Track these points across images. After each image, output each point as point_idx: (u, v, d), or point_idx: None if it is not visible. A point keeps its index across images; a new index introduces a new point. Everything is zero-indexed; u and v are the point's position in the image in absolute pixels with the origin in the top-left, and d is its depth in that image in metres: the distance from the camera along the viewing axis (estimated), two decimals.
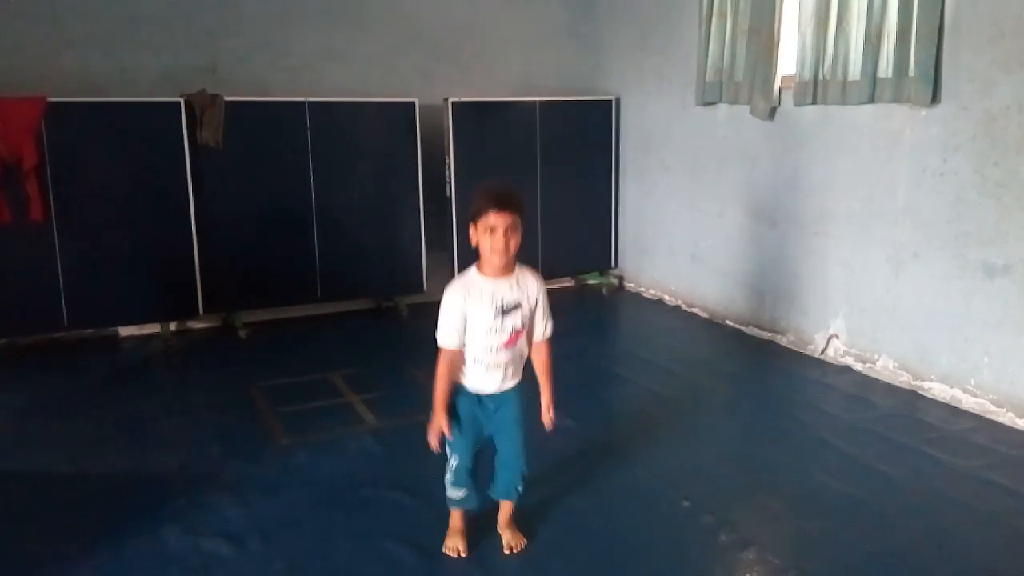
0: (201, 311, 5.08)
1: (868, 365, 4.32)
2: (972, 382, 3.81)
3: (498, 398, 2.52)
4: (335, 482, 3.13)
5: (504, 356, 2.46)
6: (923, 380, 4.03)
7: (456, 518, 2.65)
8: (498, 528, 2.69)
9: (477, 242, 2.41)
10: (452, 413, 2.50)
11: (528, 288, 2.47)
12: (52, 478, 3.22)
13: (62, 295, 4.70)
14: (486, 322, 2.40)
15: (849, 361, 4.43)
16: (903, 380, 4.12)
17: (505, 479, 2.61)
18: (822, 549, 2.68)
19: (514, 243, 2.38)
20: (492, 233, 2.35)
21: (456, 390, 2.50)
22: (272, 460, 3.33)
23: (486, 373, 2.47)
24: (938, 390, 3.96)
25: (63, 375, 4.44)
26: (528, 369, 2.61)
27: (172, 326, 5.17)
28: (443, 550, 2.61)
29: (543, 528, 2.79)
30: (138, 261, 4.87)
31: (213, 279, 5.06)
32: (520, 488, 2.63)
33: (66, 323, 4.76)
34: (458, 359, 2.46)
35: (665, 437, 3.58)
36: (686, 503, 2.96)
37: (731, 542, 2.72)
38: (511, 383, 2.52)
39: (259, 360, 4.68)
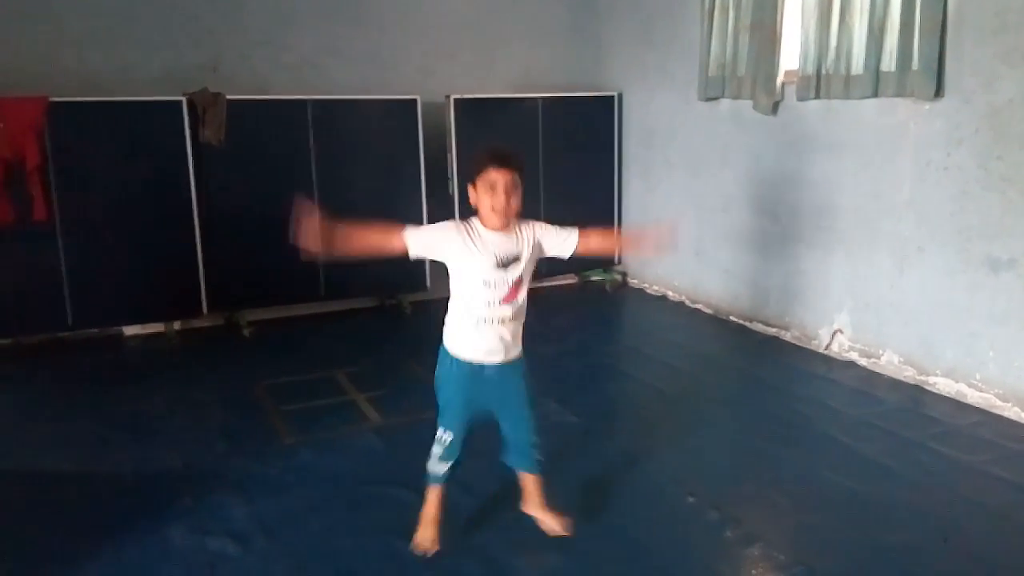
0: (205, 310, 5.09)
1: (873, 360, 4.31)
2: (977, 376, 3.80)
3: (502, 369, 2.44)
4: (340, 480, 3.13)
5: (506, 311, 2.39)
6: (928, 375, 4.02)
7: (433, 501, 2.58)
8: (531, 512, 2.63)
9: (476, 203, 2.35)
10: (440, 375, 2.45)
11: (524, 238, 2.41)
12: (57, 476, 3.23)
13: (66, 295, 4.70)
14: (483, 274, 2.34)
15: (854, 356, 4.42)
16: (908, 375, 4.11)
17: (517, 449, 2.58)
18: (828, 544, 2.68)
19: (515, 202, 2.33)
20: (492, 191, 2.30)
21: (445, 360, 2.44)
22: (277, 458, 3.33)
23: (490, 333, 2.38)
24: (943, 385, 3.95)
25: (68, 374, 4.44)
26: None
27: (176, 325, 5.18)
28: (411, 546, 2.54)
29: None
30: (141, 260, 4.87)
31: (217, 278, 5.07)
32: (539, 456, 2.58)
33: (70, 323, 4.76)
34: (394, 250, 2.36)
35: (669, 433, 3.57)
36: (691, 499, 2.96)
37: (736, 537, 2.72)
38: (515, 352, 2.46)
39: (263, 358, 4.68)
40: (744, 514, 2.86)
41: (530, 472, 2.62)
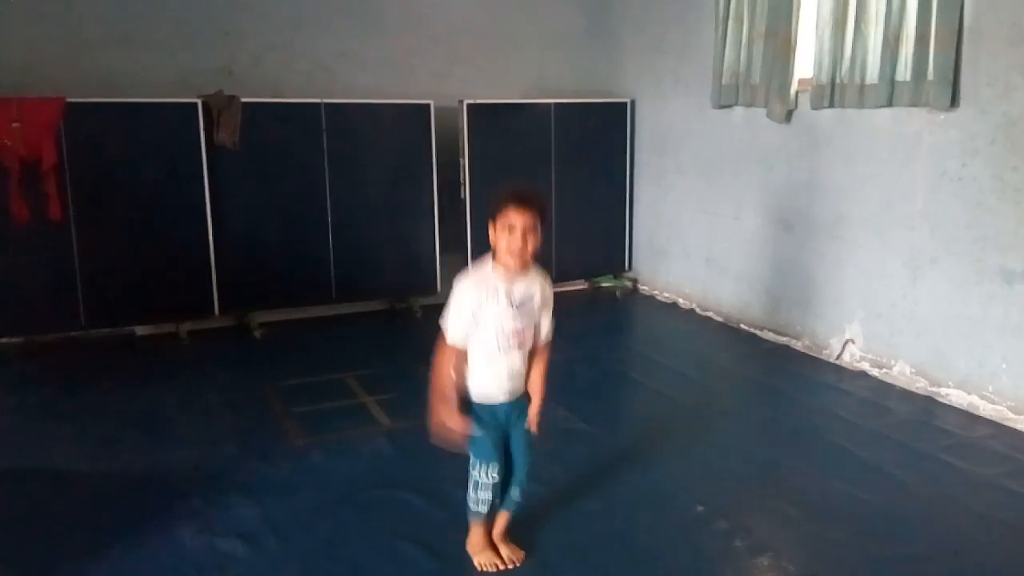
0: (217, 311, 5.11)
1: (884, 371, 4.29)
2: (990, 388, 3.77)
3: (514, 407, 2.48)
4: (348, 482, 3.14)
5: (518, 358, 2.43)
6: (940, 386, 4.00)
7: (480, 530, 2.58)
8: (494, 540, 2.61)
9: (495, 241, 2.36)
10: (476, 428, 2.45)
11: (536, 288, 2.43)
12: (69, 476, 3.25)
13: (80, 294, 4.73)
14: (499, 318, 2.35)
15: (865, 366, 4.40)
16: (920, 386, 4.09)
17: (513, 486, 2.57)
18: (837, 555, 2.66)
19: (532, 244, 2.32)
20: (511, 232, 2.29)
21: (467, 402, 2.45)
22: (286, 460, 3.34)
23: (502, 375, 2.41)
24: (955, 396, 3.92)
25: (80, 374, 4.47)
26: None
27: (188, 326, 5.20)
28: (478, 567, 2.54)
29: (555, 532, 2.79)
30: (155, 261, 4.90)
31: (229, 279, 5.09)
32: (520, 499, 2.59)
33: (84, 322, 4.80)
34: (460, 357, 2.40)
35: (679, 441, 3.56)
36: (700, 508, 2.95)
37: (745, 547, 2.71)
38: (522, 389, 2.50)
39: (274, 360, 4.70)
40: (754, 523, 2.85)
41: (507, 511, 2.61)
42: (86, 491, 3.10)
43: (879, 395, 4.11)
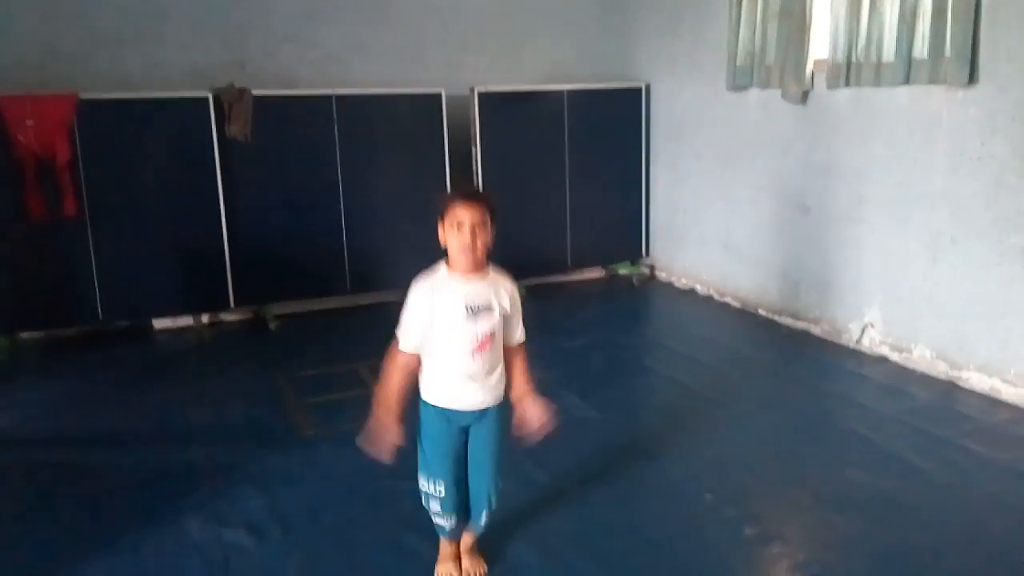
0: (232, 304, 5.14)
1: (904, 355, 4.20)
2: (1012, 372, 3.68)
3: (473, 416, 2.31)
4: (357, 474, 3.12)
5: (477, 364, 2.26)
6: (961, 370, 3.91)
7: (445, 543, 2.50)
8: (460, 552, 2.52)
9: (445, 242, 2.26)
10: (420, 427, 2.35)
11: (500, 292, 2.29)
12: (82, 467, 3.28)
13: (97, 289, 4.78)
14: (455, 324, 2.22)
15: (885, 351, 4.31)
16: (940, 370, 4.01)
17: (472, 500, 2.44)
18: (850, 544, 2.61)
19: (482, 241, 2.21)
20: (459, 229, 2.20)
21: (423, 409, 2.34)
22: (296, 451, 3.35)
23: (460, 384, 2.27)
24: (976, 380, 3.83)
25: (98, 367, 4.52)
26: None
27: (204, 318, 5.24)
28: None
29: (564, 521, 2.77)
30: (170, 255, 4.94)
31: (244, 272, 5.12)
32: (484, 521, 2.46)
33: (101, 316, 4.85)
34: (412, 365, 2.29)
35: (692, 429, 3.52)
36: (709, 496, 2.91)
37: (754, 536, 2.66)
38: (491, 399, 2.32)
39: (288, 352, 4.72)
40: (763, 512, 2.81)
41: (472, 531, 2.51)
42: (98, 482, 3.13)
43: (899, 380, 4.03)
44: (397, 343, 2.30)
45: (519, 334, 2.38)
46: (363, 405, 3.77)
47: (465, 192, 2.31)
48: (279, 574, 2.49)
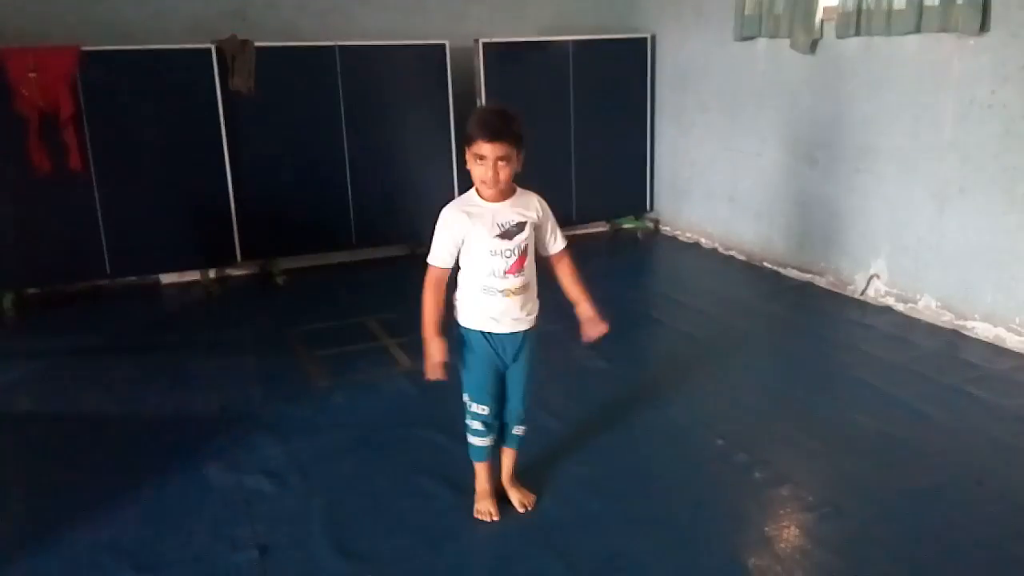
0: (239, 258, 5.15)
1: (910, 305, 4.23)
2: (1017, 320, 3.72)
3: (513, 337, 2.39)
4: (371, 422, 3.18)
5: (512, 283, 2.32)
6: (966, 319, 3.94)
7: (483, 477, 2.55)
8: (503, 484, 2.59)
9: (470, 168, 2.30)
10: (463, 353, 2.42)
11: (529, 208, 2.35)
12: (99, 418, 3.32)
13: (103, 243, 4.78)
14: (487, 244, 2.28)
15: (890, 301, 4.34)
16: (946, 320, 4.04)
17: (508, 423, 2.53)
18: (858, 486, 2.67)
19: (505, 173, 2.25)
20: (480, 161, 2.24)
21: (461, 334, 2.41)
22: (310, 401, 3.39)
23: (496, 305, 2.33)
24: (982, 329, 3.87)
25: (107, 321, 4.55)
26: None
27: (211, 273, 5.25)
28: (475, 515, 2.51)
29: (574, 465, 2.82)
30: (176, 209, 4.93)
31: (249, 226, 5.11)
32: (519, 432, 2.54)
33: (109, 271, 4.86)
34: (443, 278, 2.34)
35: (700, 379, 3.56)
36: (720, 442, 2.96)
37: (765, 478, 2.72)
38: (526, 323, 2.39)
39: (296, 306, 4.74)
40: (774, 456, 2.86)
41: (508, 447, 2.58)
42: (115, 433, 3.18)
43: (904, 330, 4.06)
44: (430, 260, 2.36)
45: (559, 241, 2.44)
46: (373, 356, 3.86)
47: (489, 125, 2.23)
48: (303, 517, 2.54)
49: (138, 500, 2.66)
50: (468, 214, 2.31)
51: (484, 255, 2.31)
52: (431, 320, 2.35)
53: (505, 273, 2.31)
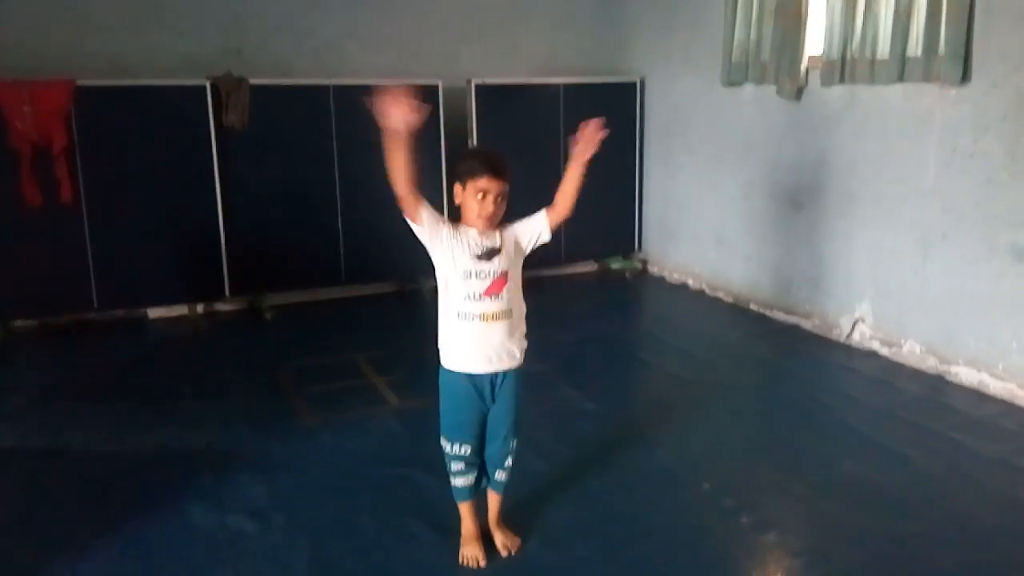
0: (227, 293, 5.15)
1: (894, 349, 4.27)
2: (1000, 367, 3.75)
3: (495, 378, 2.38)
4: (358, 461, 3.17)
5: (490, 307, 2.32)
6: (950, 364, 3.98)
7: (468, 521, 2.53)
8: (489, 526, 2.58)
9: (461, 202, 2.35)
10: (443, 394, 2.43)
11: (506, 234, 2.39)
12: (82, 455, 3.28)
13: (92, 277, 4.77)
14: (463, 264, 2.31)
15: (875, 346, 4.38)
16: (930, 365, 4.07)
17: (488, 461, 2.51)
18: (844, 532, 2.67)
19: (502, 210, 2.35)
20: (483, 198, 2.30)
21: (443, 375, 2.42)
22: (297, 439, 3.37)
23: (475, 333, 2.32)
24: (965, 375, 3.90)
25: (94, 355, 4.52)
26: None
27: (199, 308, 5.24)
28: (460, 560, 2.48)
29: (562, 509, 2.80)
30: (165, 243, 4.94)
31: (239, 262, 5.12)
32: (504, 477, 2.52)
33: (96, 304, 4.84)
34: (417, 195, 2.30)
35: (687, 421, 3.57)
36: (707, 486, 2.96)
37: (752, 524, 2.71)
38: (509, 360, 2.38)
39: (284, 342, 4.73)
40: (760, 501, 2.86)
41: (493, 490, 2.57)
42: (99, 470, 3.14)
43: (889, 374, 4.09)
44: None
45: (538, 215, 2.43)
46: (362, 394, 3.86)
47: (492, 163, 2.31)
48: (285, 559, 2.52)
49: (120, 539, 2.63)
50: (451, 226, 2.36)
51: (460, 277, 2.32)
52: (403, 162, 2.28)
53: (481, 295, 2.32)
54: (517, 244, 2.41)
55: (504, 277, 2.35)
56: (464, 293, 2.32)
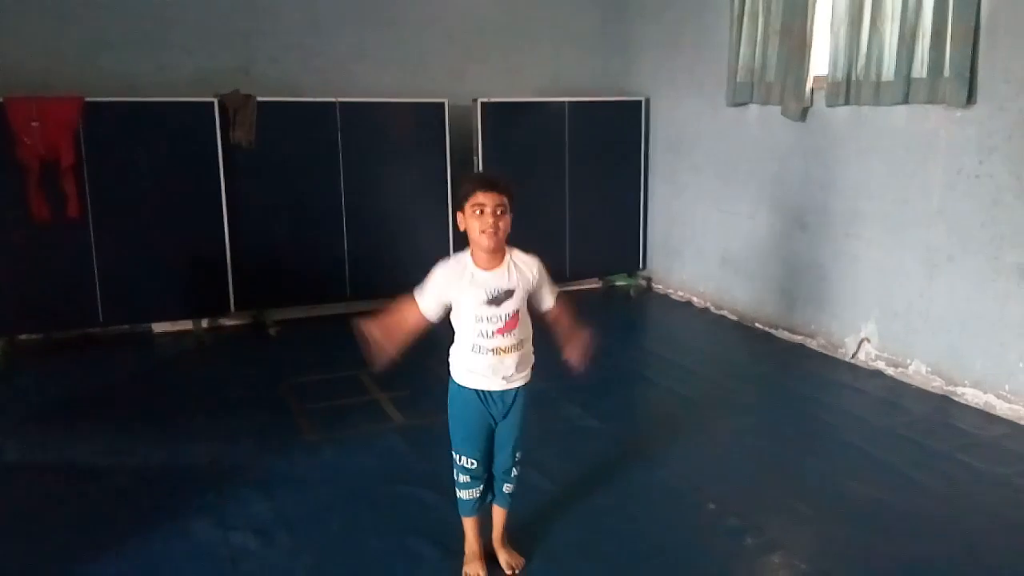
0: (232, 308, 5.16)
1: (900, 370, 4.26)
2: (1006, 387, 3.74)
3: (505, 396, 2.40)
4: (361, 478, 3.16)
5: (502, 342, 2.34)
6: (956, 385, 3.96)
7: (472, 536, 2.54)
8: (493, 545, 2.58)
9: (467, 228, 2.33)
10: (453, 407, 2.44)
11: (523, 271, 2.37)
12: (86, 469, 3.28)
13: (98, 292, 4.79)
14: (474, 311, 2.31)
15: (880, 365, 4.37)
16: (935, 385, 4.06)
17: (497, 480, 2.52)
18: (849, 554, 2.65)
19: (504, 225, 2.28)
20: (481, 213, 2.26)
21: (453, 390, 2.44)
22: (300, 456, 3.37)
23: (489, 363, 2.34)
24: (971, 395, 3.89)
25: (98, 370, 4.52)
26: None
27: (204, 323, 5.25)
28: None
29: (567, 528, 2.79)
30: (172, 259, 4.95)
31: (245, 277, 5.13)
32: (509, 490, 2.52)
33: (101, 319, 4.85)
34: (422, 324, 2.36)
35: (692, 440, 3.56)
36: (712, 506, 2.94)
37: (757, 545, 2.70)
38: (518, 380, 2.40)
39: (289, 357, 4.73)
40: (765, 522, 2.84)
41: (498, 505, 2.57)
42: (103, 485, 3.14)
43: (894, 394, 4.08)
44: (415, 294, 2.39)
45: (552, 298, 2.47)
46: (365, 411, 3.85)
47: (485, 178, 2.38)
48: None
49: (123, 555, 2.62)
50: (459, 274, 2.34)
51: (471, 320, 2.33)
52: (401, 338, 2.36)
53: (494, 333, 2.33)
54: (533, 293, 2.41)
55: (515, 318, 2.36)
56: (477, 332, 2.34)
